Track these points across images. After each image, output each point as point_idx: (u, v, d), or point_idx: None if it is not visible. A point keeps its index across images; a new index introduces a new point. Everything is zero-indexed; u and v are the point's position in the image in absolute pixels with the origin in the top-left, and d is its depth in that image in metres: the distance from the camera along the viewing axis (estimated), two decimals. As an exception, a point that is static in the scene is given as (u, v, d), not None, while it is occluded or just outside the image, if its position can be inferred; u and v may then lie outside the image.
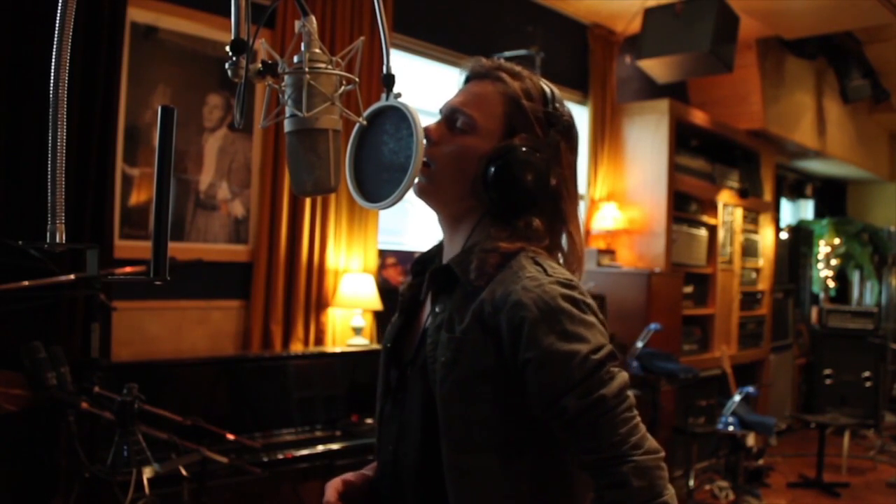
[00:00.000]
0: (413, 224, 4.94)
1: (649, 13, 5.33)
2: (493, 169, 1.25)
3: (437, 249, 1.44)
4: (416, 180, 1.28)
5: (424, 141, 1.16)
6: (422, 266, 1.44)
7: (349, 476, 1.40)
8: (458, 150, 1.29)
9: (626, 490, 1.10)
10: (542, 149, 1.28)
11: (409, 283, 1.44)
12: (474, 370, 1.18)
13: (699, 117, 6.21)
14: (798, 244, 8.60)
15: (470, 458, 1.18)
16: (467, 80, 1.37)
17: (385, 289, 4.29)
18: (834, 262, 9.32)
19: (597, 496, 1.14)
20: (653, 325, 4.71)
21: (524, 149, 1.26)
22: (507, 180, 1.24)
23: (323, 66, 1.00)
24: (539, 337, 1.14)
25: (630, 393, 1.18)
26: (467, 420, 1.19)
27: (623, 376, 1.18)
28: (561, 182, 1.31)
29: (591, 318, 1.19)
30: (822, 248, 9.27)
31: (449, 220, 1.35)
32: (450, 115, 1.32)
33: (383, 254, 4.50)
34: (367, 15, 4.23)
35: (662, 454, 1.15)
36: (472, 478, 1.18)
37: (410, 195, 1.21)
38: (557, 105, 1.34)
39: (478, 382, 1.18)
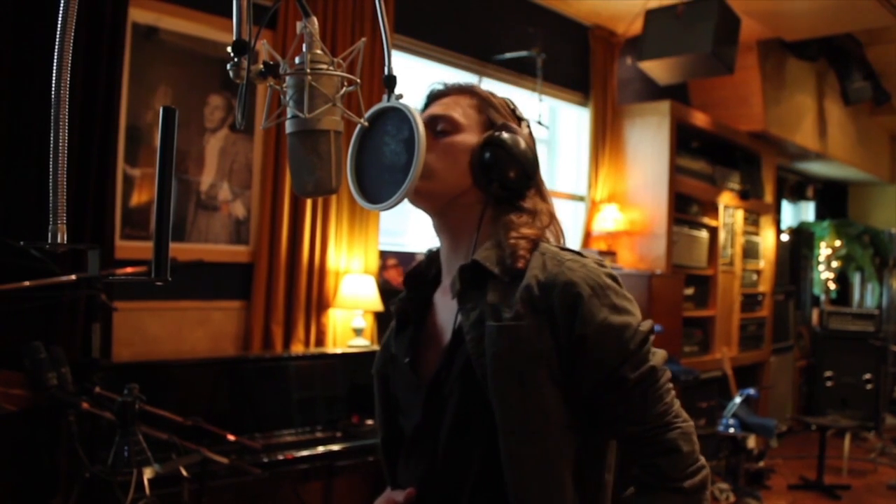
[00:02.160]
0: (414, 225, 4.94)
1: (650, 15, 5.33)
2: (488, 154, 1.30)
3: (429, 262, 1.45)
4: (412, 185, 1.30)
5: (425, 141, 1.17)
6: (416, 280, 1.45)
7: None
8: (446, 148, 1.33)
9: (679, 455, 1.19)
10: (521, 135, 1.35)
11: (405, 297, 1.44)
12: (529, 356, 1.20)
13: (700, 119, 6.21)
14: (799, 246, 8.60)
15: (530, 448, 1.20)
16: (429, 103, 1.42)
17: (386, 290, 4.29)
18: (835, 264, 9.32)
19: (647, 465, 1.21)
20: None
21: (510, 133, 1.33)
22: (505, 161, 1.30)
23: (324, 67, 1.00)
24: (594, 312, 1.20)
25: (667, 368, 1.26)
26: (524, 409, 1.20)
27: (663, 351, 1.26)
28: (538, 165, 1.39)
29: (627, 292, 1.28)
30: (823, 250, 9.27)
31: (448, 220, 1.36)
32: (429, 123, 1.35)
33: (384, 255, 4.51)
34: (368, 16, 4.23)
35: (692, 422, 1.25)
36: (533, 467, 1.20)
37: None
38: (516, 105, 1.43)
39: (534, 367, 1.20)
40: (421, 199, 1.33)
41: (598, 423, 1.25)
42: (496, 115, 1.37)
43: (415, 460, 1.34)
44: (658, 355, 1.24)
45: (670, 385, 1.24)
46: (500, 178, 1.30)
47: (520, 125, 1.39)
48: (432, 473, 1.30)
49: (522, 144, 1.32)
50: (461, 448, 1.26)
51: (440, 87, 1.42)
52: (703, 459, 1.22)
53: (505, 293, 1.25)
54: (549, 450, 1.21)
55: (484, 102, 1.38)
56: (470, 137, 1.34)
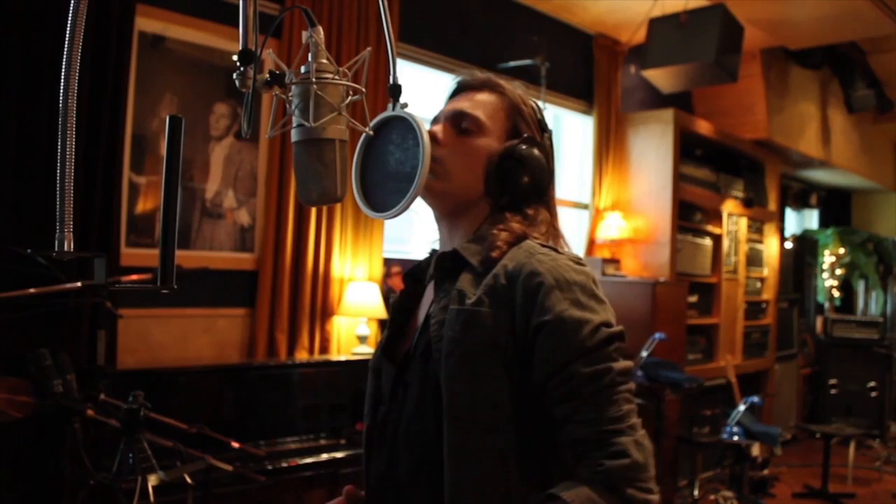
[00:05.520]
0: (418, 233, 4.95)
1: (654, 23, 5.34)
2: (506, 166, 1.31)
3: (430, 261, 1.45)
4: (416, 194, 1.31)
5: (430, 150, 1.17)
6: (414, 276, 1.46)
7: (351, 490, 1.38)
8: (466, 148, 1.33)
9: (629, 460, 1.09)
10: (542, 149, 1.35)
11: (401, 293, 1.46)
12: (484, 343, 1.18)
13: (704, 127, 6.21)
14: (803, 254, 8.58)
15: (473, 438, 1.17)
16: (458, 92, 1.42)
17: (390, 297, 4.29)
18: (839, 271, 9.30)
19: (592, 466, 1.11)
20: (657, 335, 4.70)
21: (533, 147, 1.33)
22: (522, 174, 1.31)
23: (330, 76, 1.00)
24: (554, 302, 1.17)
25: (632, 381, 1.20)
26: (473, 398, 1.17)
27: (629, 362, 1.19)
28: (553, 180, 1.40)
29: (602, 296, 1.23)
30: (827, 258, 9.26)
31: (450, 217, 1.37)
32: (454, 118, 1.36)
33: (388, 262, 4.51)
34: (373, 25, 4.25)
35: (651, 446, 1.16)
36: (473, 460, 1.17)
37: (416, 204, 1.22)
38: (543, 113, 1.43)
39: (487, 357, 1.18)
40: (432, 197, 1.34)
41: (548, 424, 1.19)
42: (522, 125, 1.37)
43: (380, 447, 1.32)
44: (622, 363, 1.17)
45: (631, 396, 1.16)
46: (512, 190, 1.31)
47: (542, 136, 1.38)
48: (394, 460, 1.27)
49: (542, 161, 1.33)
50: (418, 434, 1.24)
51: (473, 79, 1.41)
52: (655, 485, 1.11)
53: (475, 281, 1.24)
54: (495, 444, 1.17)
55: (513, 108, 1.38)
56: (492, 142, 1.34)
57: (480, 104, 1.37)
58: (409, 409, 1.26)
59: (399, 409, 1.28)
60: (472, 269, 1.26)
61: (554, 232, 1.36)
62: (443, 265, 1.30)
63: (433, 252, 1.47)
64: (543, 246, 1.27)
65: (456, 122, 1.36)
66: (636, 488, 1.09)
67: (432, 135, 1.32)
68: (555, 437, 1.19)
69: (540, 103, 1.45)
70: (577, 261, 1.25)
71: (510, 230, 1.28)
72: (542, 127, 1.40)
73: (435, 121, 1.40)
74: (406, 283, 1.46)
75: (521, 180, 1.31)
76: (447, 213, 1.37)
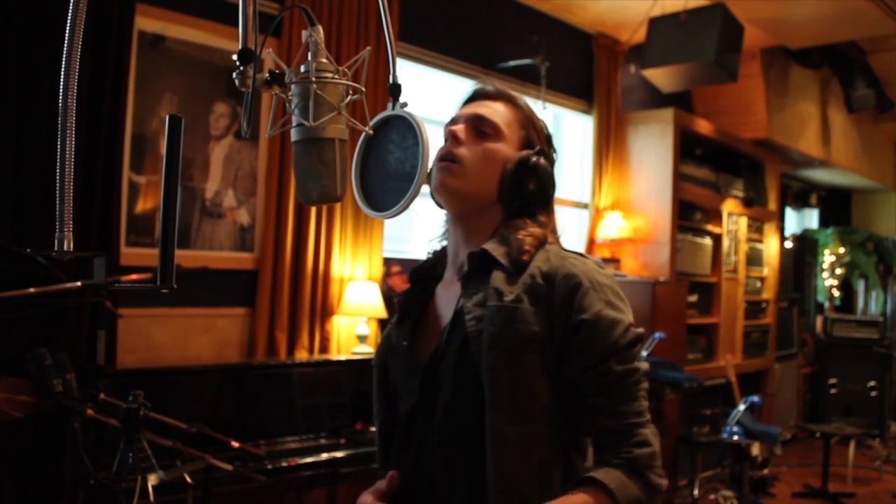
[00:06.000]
0: (418, 232, 4.95)
1: (654, 23, 5.33)
2: (521, 174, 1.39)
3: (435, 261, 1.51)
4: (439, 175, 1.38)
5: (430, 150, 1.18)
6: (420, 275, 1.51)
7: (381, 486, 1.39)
8: (485, 151, 1.40)
9: (651, 449, 1.25)
10: (551, 162, 1.44)
11: (408, 290, 1.51)
12: (524, 337, 1.26)
13: (704, 126, 6.22)
14: (803, 253, 8.58)
15: (514, 427, 1.24)
16: (474, 99, 1.49)
17: (390, 297, 4.29)
18: (839, 271, 9.30)
19: (620, 453, 1.24)
20: (657, 335, 4.70)
21: (544, 160, 1.42)
22: (536, 184, 1.39)
23: (330, 75, 1.00)
24: (592, 302, 1.27)
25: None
26: (515, 388, 1.25)
27: (646, 364, 1.32)
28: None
29: (624, 298, 1.34)
30: (827, 258, 9.26)
31: (465, 219, 1.42)
32: (474, 120, 1.43)
33: (388, 262, 4.51)
34: (373, 24, 4.24)
35: None
36: (515, 447, 1.23)
37: (416, 204, 1.22)
38: (550, 131, 1.52)
39: (527, 350, 1.26)
40: (448, 195, 1.40)
41: (576, 415, 1.29)
42: (535, 137, 1.45)
43: (409, 442, 1.37)
44: (644, 364, 1.30)
45: (646, 394, 1.30)
46: (525, 197, 1.38)
47: (549, 150, 1.46)
48: (426, 453, 1.32)
49: (552, 173, 1.43)
50: (455, 426, 1.30)
51: (491, 88, 1.48)
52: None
53: (508, 280, 1.31)
54: (533, 432, 1.25)
55: (528, 121, 1.46)
56: (508, 150, 1.41)
57: (497, 112, 1.44)
58: (443, 401, 1.32)
59: (431, 402, 1.33)
60: (502, 268, 1.32)
61: (557, 238, 1.44)
62: (472, 263, 1.36)
63: (436, 252, 1.52)
64: (565, 250, 1.36)
65: (475, 124, 1.42)
66: (655, 473, 1.25)
67: (454, 134, 1.40)
68: (581, 426, 1.31)
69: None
70: (600, 265, 1.36)
71: (533, 235, 1.37)
72: (550, 142, 1.49)
73: (453, 122, 1.45)
74: (412, 282, 1.52)
75: (534, 189, 1.39)
76: (461, 214, 1.42)
